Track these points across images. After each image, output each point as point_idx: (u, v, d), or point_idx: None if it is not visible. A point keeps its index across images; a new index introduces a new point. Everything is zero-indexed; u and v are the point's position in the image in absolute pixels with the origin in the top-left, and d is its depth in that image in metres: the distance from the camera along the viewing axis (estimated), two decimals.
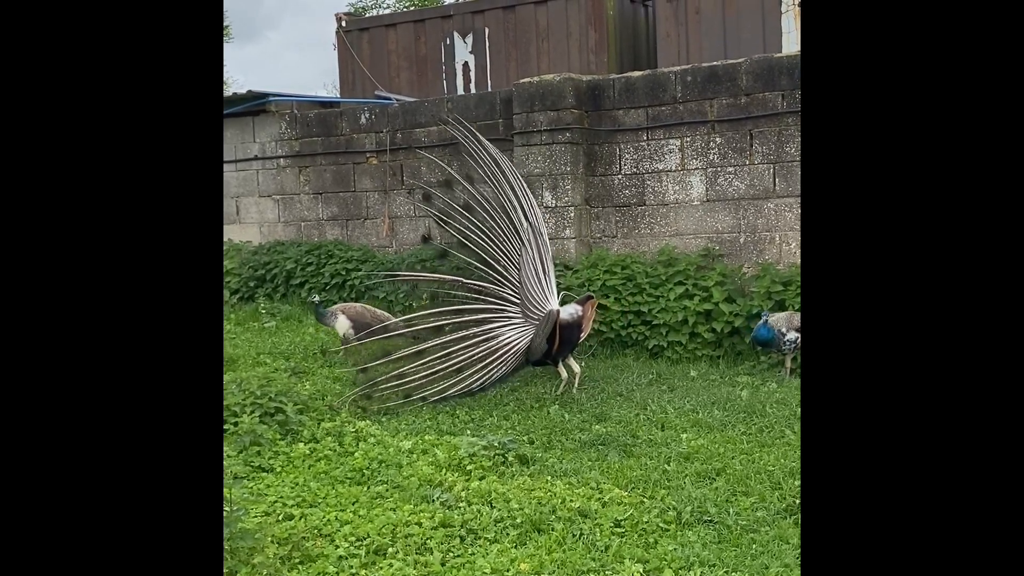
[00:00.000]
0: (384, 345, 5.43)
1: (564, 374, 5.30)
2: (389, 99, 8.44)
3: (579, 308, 5.33)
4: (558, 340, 5.09)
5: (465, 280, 5.26)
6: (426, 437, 4.50)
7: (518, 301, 5.24)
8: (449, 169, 5.64)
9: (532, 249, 5.30)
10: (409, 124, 7.79)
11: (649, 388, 5.46)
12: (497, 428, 4.70)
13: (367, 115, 8.00)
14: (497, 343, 5.10)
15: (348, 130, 8.12)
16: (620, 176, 6.97)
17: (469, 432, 4.59)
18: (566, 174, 6.86)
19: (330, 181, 8.25)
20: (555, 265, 5.66)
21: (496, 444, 4.13)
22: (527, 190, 5.55)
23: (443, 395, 5.05)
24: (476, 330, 5.11)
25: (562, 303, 5.40)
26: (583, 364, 6.10)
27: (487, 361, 5.07)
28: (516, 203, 5.40)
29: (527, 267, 5.26)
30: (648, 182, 6.88)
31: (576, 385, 5.26)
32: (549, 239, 5.56)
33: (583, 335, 5.45)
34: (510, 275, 5.28)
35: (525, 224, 5.33)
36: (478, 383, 5.10)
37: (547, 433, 4.57)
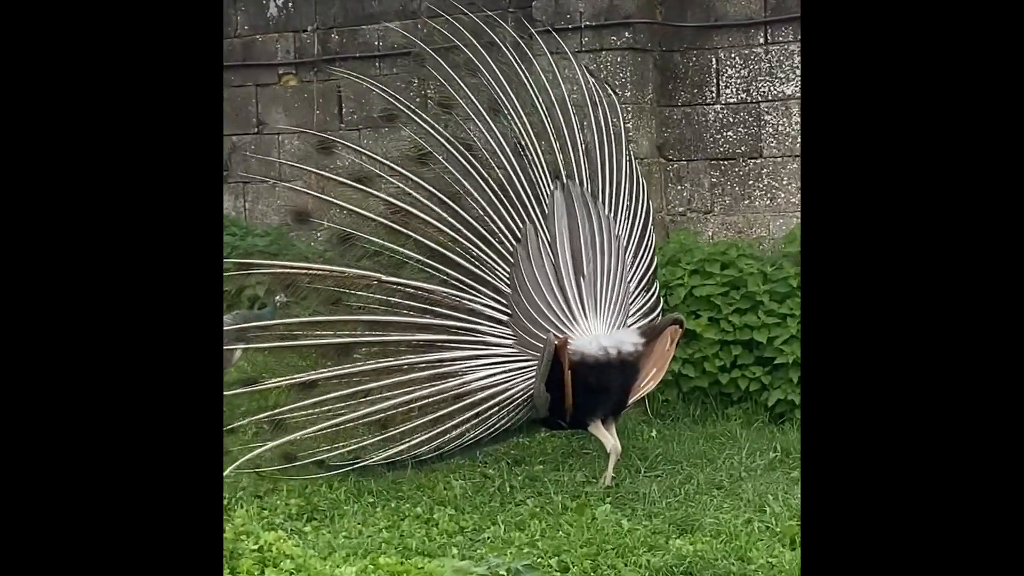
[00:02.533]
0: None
1: (610, 444, 5.24)
2: None
3: (636, 339, 5.33)
4: (569, 388, 5.14)
5: (385, 278, 5.40)
6: (381, 559, 4.28)
7: (505, 318, 5.35)
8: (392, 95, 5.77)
9: (556, 230, 5.47)
10: (352, 18, 7.70)
11: (769, 475, 5.46)
12: (505, 543, 4.67)
13: (280, 2, 7.93)
14: (460, 384, 5.25)
15: (247, 28, 8.06)
16: (718, 107, 6.94)
17: (456, 550, 4.57)
18: (624, 102, 6.61)
19: None
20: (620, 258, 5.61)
21: (503, 573, 4.09)
22: (608, 124, 5.78)
23: (360, 462, 5.26)
24: (413, 360, 5.28)
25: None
26: (655, 430, 6.03)
27: (441, 413, 5.24)
28: (545, 148, 5.62)
29: (531, 261, 5.38)
30: (767, 117, 6.87)
31: (611, 470, 5.25)
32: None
33: (645, 383, 5.42)
34: (494, 275, 5.44)
35: (555, 190, 5.53)
36: (429, 446, 5.30)
37: (591, 554, 4.50)
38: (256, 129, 8.06)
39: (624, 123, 6.17)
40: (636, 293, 5.66)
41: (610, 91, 6.16)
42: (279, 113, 8.00)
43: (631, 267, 5.66)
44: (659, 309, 5.86)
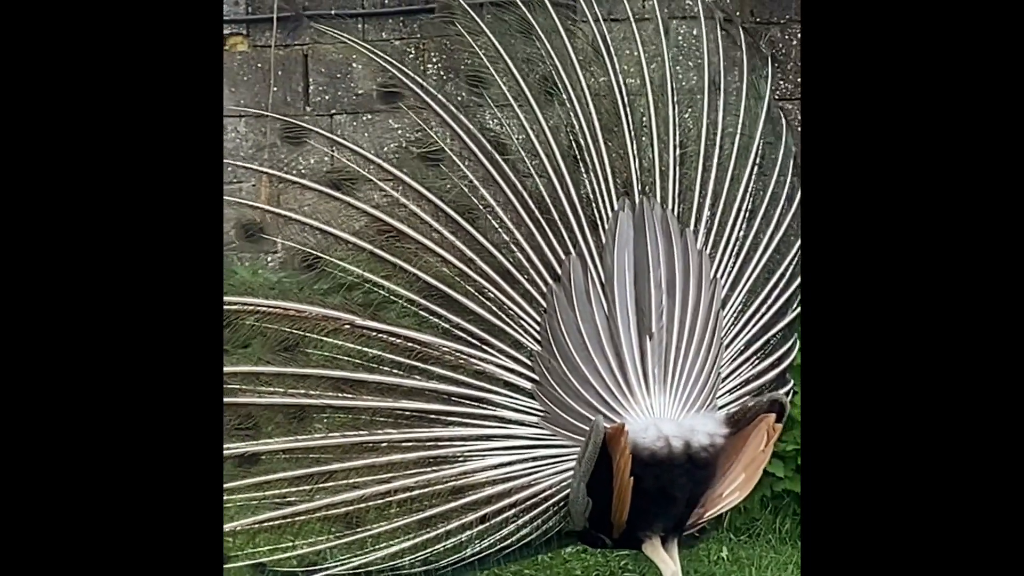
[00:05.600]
0: None
1: (669, 571, 4.74)
2: None
3: (714, 428, 4.80)
4: (627, 496, 4.64)
5: (361, 322, 4.98)
6: None
7: (530, 386, 4.93)
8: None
9: (615, 266, 5.05)
10: None
11: None
12: None
13: None
14: (461, 474, 4.86)
15: None
16: None
17: None
18: (699, 92, 5.95)
19: None
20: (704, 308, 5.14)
21: None
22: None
23: (317, 572, 4.92)
24: (395, 436, 4.89)
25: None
26: (726, 549, 5.64)
27: (432, 512, 4.85)
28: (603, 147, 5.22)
29: (575, 309, 4.96)
30: None
31: None
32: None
33: (728, 493, 4.92)
34: (517, 326, 5.02)
35: (620, 210, 5.15)
36: (413, 557, 4.91)
37: None
38: None
39: (770, 114, 5.63)
40: (742, 361, 5.13)
41: (761, 66, 5.75)
42: (223, 87, 7.32)
43: (734, 324, 5.12)
44: (789, 387, 5.29)
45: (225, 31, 7.66)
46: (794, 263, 5.39)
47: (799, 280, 5.38)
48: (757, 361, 5.17)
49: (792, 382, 5.39)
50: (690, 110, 5.45)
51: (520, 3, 5.35)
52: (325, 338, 4.93)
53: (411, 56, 6.53)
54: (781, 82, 6.53)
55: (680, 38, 6.32)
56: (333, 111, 7.40)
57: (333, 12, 7.08)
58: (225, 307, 5.21)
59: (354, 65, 7.17)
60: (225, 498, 4.89)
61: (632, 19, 5.50)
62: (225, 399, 5.02)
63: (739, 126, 5.44)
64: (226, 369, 5.09)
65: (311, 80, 7.37)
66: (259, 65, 7.48)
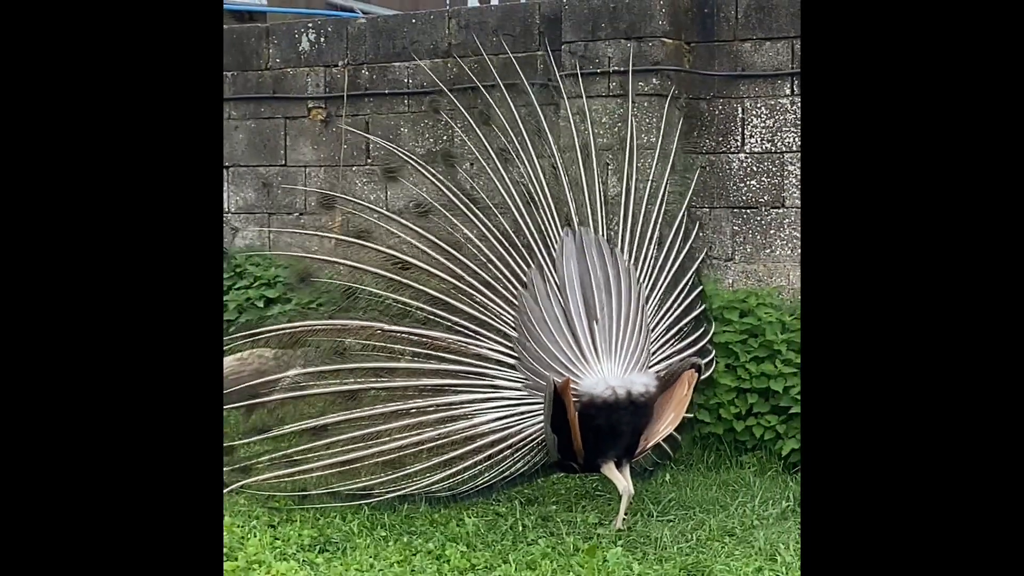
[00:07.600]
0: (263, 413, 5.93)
1: (622, 486, 5.46)
2: (351, 11, 9.08)
3: (648, 381, 5.57)
4: (576, 429, 5.34)
5: (387, 328, 5.75)
6: None
7: (513, 361, 5.64)
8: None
9: (565, 274, 5.76)
10: (384, 54, 7.95)
11: (781, 524, 5.49)
12: None
13: (312, 37, 8.14)
14: (470, 427, 5.52)
15: (278, 61, 8.26)
16: (743, 156, 7.06)
17: None
18: (649, 147, 6.89)
19: (244, 146, 8.36)
20: (644, 303, 5.95)
21: None
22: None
23: (371, 493, 5.55)
24: (421, 404, 5.59)
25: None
26: (668, 475, 6.22)
27: (452, 455, 5.51)
28: (554, 195, 6.00)
29: (539, 305, 5.66)
30: (791, 167, 6.97)
31: (623, 513, 5.42)
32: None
33: (663, 428, 5.59)
34: (500, 320, 5.76)
35: (564, 236, 5.86)
36: (442, 486, 5.58)
37: None
38: (283, 159, 8.28)
39: (662, 170, 6.41)
40: (667, 339, 5.92)
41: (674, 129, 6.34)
42: (307, 147, 8.17)
43: (657, 313, 5.91)
44: (710, 357, 6.18)
45: (309, 105, 8.15)
46: (690, 273, 6.24)
47: (692, 284, 6.24)
48: (677, 342, 5.96)
49: (713, 352, 6.25)
50: (610, 165, 6.33)
51: (484, 90, 6.29)
52: (365, 341, 5.80)
53: (442, 122, 7.28)
54: (698, 140, 7.24)
55: (606, 112, 6.97)
56: (387, 163, 7.74)
57: (387, 91, 7.84)
58: (294, 328, 6.03)
59: (402, 129, 7.91)
60: (306, 455, 5.60)
61: (567, 103, 6.45)
62: (300, 392, 5.75)
63: (651, 174, 6.30)
64: (299, 371, 5.84)
65: (371, 142, 7.97)
66: (334, 129, 8.09)
